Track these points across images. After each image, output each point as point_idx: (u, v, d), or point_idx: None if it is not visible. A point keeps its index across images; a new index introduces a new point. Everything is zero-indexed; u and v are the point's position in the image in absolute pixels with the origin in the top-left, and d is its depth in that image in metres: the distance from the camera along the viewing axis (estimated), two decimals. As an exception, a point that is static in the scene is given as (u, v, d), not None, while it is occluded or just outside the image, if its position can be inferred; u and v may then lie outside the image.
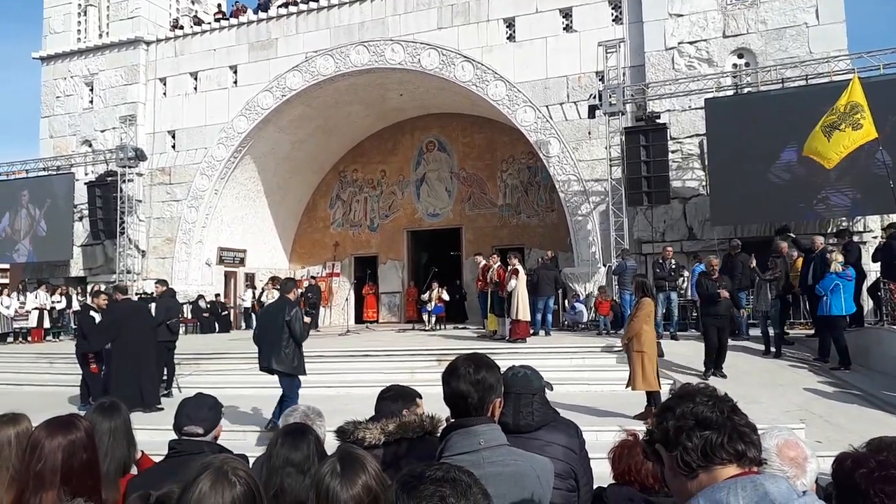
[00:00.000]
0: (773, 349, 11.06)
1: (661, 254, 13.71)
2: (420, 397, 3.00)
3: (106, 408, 2.63)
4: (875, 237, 13.44)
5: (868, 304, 12.10)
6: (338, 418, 2.91)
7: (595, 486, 2.86)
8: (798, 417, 8.02)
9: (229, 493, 1.58)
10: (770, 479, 1.39)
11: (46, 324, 18.78)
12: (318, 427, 2.83)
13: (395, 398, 2.95)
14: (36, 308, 18.50)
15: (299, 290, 19.64)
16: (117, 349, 9.67)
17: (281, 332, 7.76)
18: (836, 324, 10.17)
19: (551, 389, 2.90)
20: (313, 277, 21.87)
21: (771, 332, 11.27)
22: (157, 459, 3.02)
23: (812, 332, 11.90)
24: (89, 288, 19.76)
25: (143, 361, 9.73)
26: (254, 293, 21.63)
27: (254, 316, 21.14)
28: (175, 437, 2.85)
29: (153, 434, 6.77)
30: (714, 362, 9.85)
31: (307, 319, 8.51)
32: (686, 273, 13.92)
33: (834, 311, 10.04)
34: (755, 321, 12.43)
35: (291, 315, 7.80)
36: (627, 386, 8.07)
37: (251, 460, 2.93)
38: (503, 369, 2.83)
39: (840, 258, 10.18)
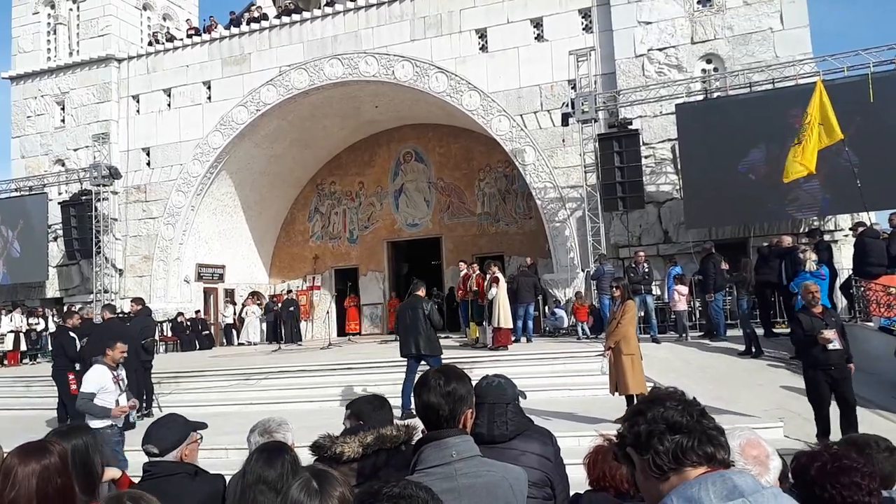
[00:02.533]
0: (753, 349, 11.19)
1: (633, 258, 13.87)
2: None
3: (63, 432, 2.60)
4: (846, 235, 13.70)
5: (841, 302, 12.32)
6: (320, 433, 2.91)
7: (572, 493, 2.89)
8: (777, 416, 8.13)
9: None
10: (737, 474, 1.45)
11: (23, 346, 18.49)
12: (282, 436, 2.83)
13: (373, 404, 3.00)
14: (11, 331, 18.21)
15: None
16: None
17: (423, 323, 9.22)
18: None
19: (524, 398, 2.93)
20: (290, 291, 21.80)
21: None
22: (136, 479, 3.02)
23: (788, 330, 12.05)
24: (64, 308, 19.51)
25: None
26: (234, 309, 21.52)
27: (234, 332, 21.06)
28: (147, 461, 2.85)
29: (135, 455, 6.70)
30: (842, 427, 6.97)
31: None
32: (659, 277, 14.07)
33: None
34: (734, 322, 12.61)
35: (430, 309, 9.38)
36: (614, 392, 8.06)
37: (227, 479, 2.94)
38: (486, 378, 2.86)
39: (814, 257, 10.35)
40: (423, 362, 9.25)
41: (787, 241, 11.54)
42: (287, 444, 2.56)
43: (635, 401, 7.78)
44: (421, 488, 1.32)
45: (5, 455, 2.22)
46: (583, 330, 14.05)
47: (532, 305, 14.50)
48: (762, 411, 8.34)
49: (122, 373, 6.87)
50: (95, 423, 6.11)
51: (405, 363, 9.47)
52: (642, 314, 13.18)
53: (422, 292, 9.78)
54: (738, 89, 14.35)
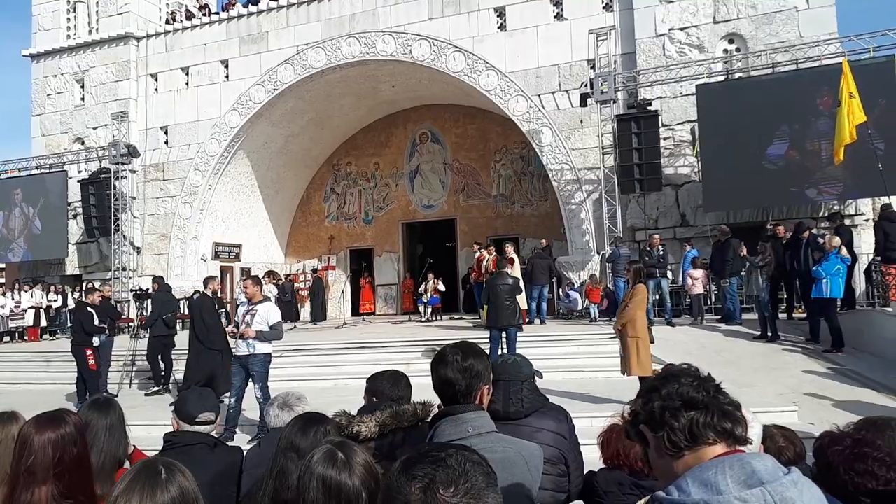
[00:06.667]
0: (769, 333, 11.11)
1: (649, 241, 13.77)
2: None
3: (101, 404, 2.65)
4: (866, 220, 13.50)
5: (861, 286, 12.17)
6: (335, 410, 2.94)
7: (586, 471, 2.90)
8: (791, 400, 8.09)
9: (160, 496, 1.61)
10: (756, 458, 1.39)
11: (43, 322, 18.76)
12: (301, 409, 2.87)
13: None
14: (32, 307, 18.47)
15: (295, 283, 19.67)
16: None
17: (509, 298, 9.70)
18: (830, 306, 10.24)
19: (541, 377, 2.93)
20: (314, 270, 21.92)
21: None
22: (149, 454, 3.06)
23: (804, 315, 11.97)
24: (84, 285, 19.76)
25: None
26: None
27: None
28: (169, 431, 2.89)
29: (150, 430, 6.82)
30: None
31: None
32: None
33: (834, 294, 10.09)
34: (749, 306, 12.51)
35: (519, 284, 10.17)
36: (623, 372, 8.15)
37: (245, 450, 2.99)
38: (502, 355, 2.87)
39: (836, 241, 10.18)
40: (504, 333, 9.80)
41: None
42: (328, 416, 2.58)
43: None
44: (468, 460, 1.27)
45: (23, 424, 2.25)
46: (594, 312, 14.01)
47: (546, 287, 14.49)
48: (777, 395, 8.31)
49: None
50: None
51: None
52: (657, 297, 13.14)
53: (508, 269, 10.38)
54: (761, 70, 14.10)
